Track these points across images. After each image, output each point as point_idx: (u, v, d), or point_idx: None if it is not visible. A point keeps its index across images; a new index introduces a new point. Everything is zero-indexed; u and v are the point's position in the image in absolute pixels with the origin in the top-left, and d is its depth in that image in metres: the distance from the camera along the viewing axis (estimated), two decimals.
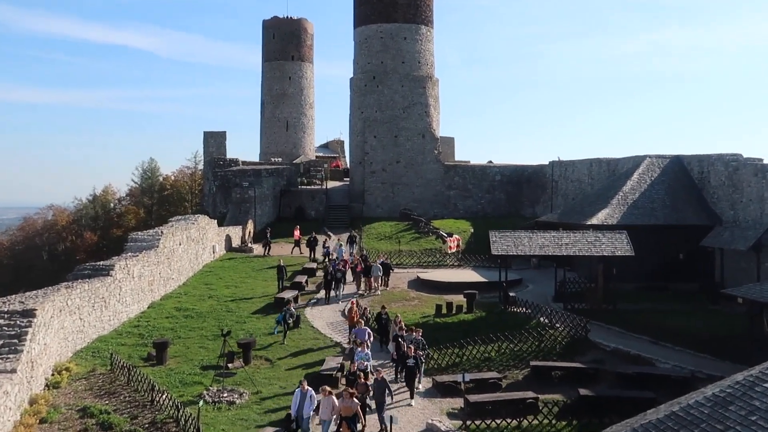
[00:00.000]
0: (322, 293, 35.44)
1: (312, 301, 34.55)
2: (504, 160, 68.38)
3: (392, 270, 38.75)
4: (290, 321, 27.98)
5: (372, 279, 36.39)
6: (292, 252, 47.12)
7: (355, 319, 26.57)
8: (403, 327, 25.99)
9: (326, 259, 38.90)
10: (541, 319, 29.96)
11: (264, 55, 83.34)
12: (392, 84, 59.97)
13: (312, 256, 43.74)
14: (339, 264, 36.81)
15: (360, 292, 36.43)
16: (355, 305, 27.89)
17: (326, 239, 45.61)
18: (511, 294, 33.87)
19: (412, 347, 22.67)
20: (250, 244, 48.71)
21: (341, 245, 43.48)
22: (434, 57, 62.83)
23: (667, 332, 28.39)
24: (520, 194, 61.46)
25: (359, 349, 22.65)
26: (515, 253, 33.84)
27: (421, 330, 25.14)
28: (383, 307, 27.74)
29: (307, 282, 38.20)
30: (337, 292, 34.78)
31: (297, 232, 48.79)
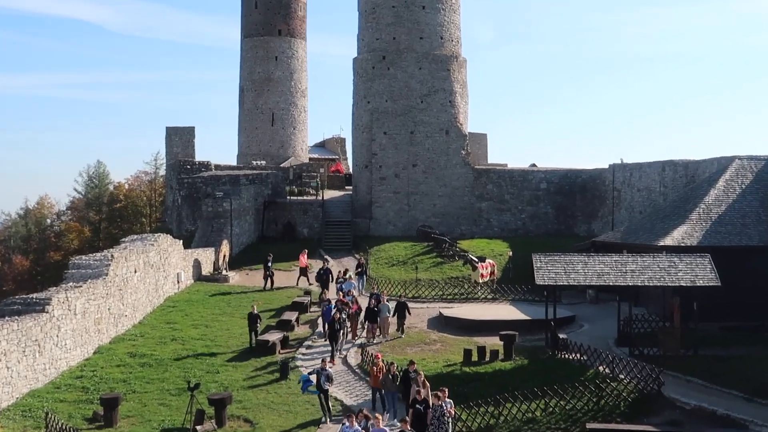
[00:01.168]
0: (317, 337, 35.26)
1: (305, 343, 34.44)
2: (551, 162, 68.55)
3: (409, 312, 37.27)
4: (327, 386, 25.91)
5: (381, 322, 35.64)
6: (297, 283, 46.71)
7: (380, 377, 25.98)
8: (426, 388, 23.99)
9: (336, 298, 37.72)
10: (601, 368, 29.73)
11: (243, 29, 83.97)
12: (407, 66, 60.22)
13: (323, 294, 41.91)
14: (352, 306, 36.08)
15: (358, 340, 35.39)
16: (380, 360, 27.26)
17: (340, 273, 44.42)
18: (561, 336, 33.64)
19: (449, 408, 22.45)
20: (225, 272, 48.74)
21: (349, 278, 41.90)
22: (461, 31, 63.07)
23: (764, 386, 28.08)
24: (571, 207, 61.33)
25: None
26: (566, 283, 33.65)
27: (446, 389, 24.03)
28: (411, 363, 26.78)
29: (297, 321, 38.15)
30: (340, 343, 33.81)
31: (304, 258, 47.76)
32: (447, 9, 61.43)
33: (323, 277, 43.39)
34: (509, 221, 61.20)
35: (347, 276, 42.49)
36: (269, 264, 46.26)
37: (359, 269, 46.17)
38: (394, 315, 36.43)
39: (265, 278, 45.92)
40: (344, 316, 34.51)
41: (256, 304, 36.21)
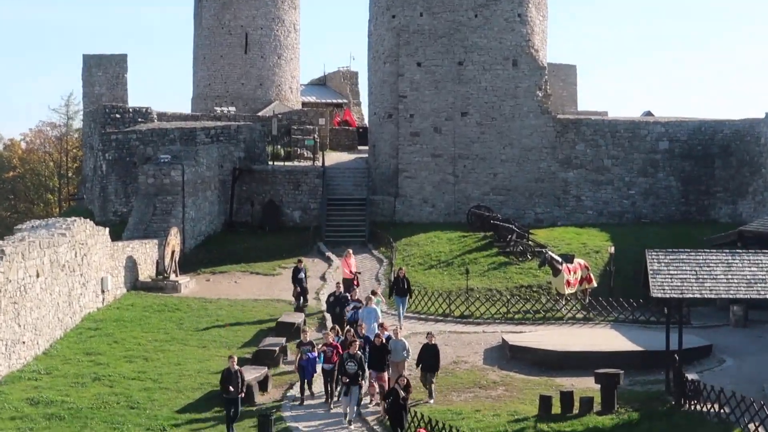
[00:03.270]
0: (292, 401, 34.55)
1: (293, 397, 34.42)
2: (675, 111, 68.01)
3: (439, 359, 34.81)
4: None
5: (393, 367, 34.46)
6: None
7: None
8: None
9: (346, 330, 36.93)
10: (751, 426, 29.73)
11: None
12: None
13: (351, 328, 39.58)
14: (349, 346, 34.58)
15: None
16: None
17: (351, 293, 43.16)
18: (689, 376, 33.60)
19: None
20: (174, 276, 48.98)
21: (375, 297, 39.71)
22: None
23: None
24: (707, 178, 61.00)
25: None
26: (698, 296, 33.50)
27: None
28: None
29: (284, 351, 38.25)
30: (351, 403, 33.09)
31: (350, 261, 46.41)
32: None
33: (339, 301, 41.73)
34: (611, 200, 61.07)
35: (370, 297, 39.29)
36: (301, 276, 45.55)
37: (396, 285, 44.18)
38: (418, 365, 34.59)
39: (297, 296, 45.18)
40: (353, 366, 32.76)
41: (233, 359, 31.80)
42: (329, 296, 42.62)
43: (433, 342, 34.45)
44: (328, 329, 37.38)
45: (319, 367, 34.01)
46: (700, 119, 63.07)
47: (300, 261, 47.15)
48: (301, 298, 45.31)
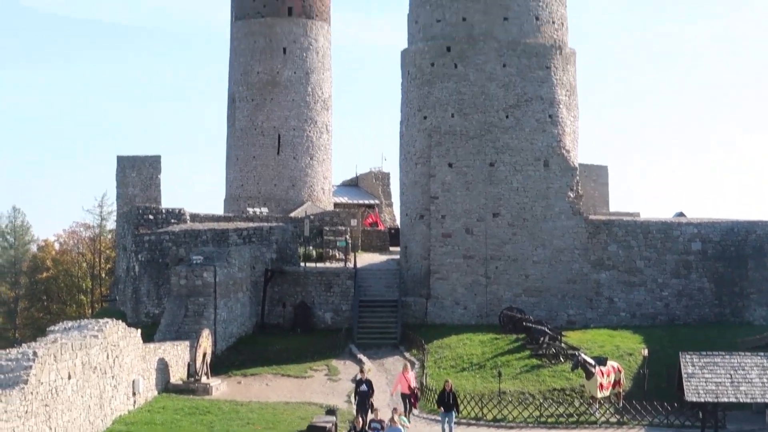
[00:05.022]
0: None
1: None
2: (708, 211, 68.04)
3: None
4: None
5: None
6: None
7: None
8: None
9: None
10: None
11: (235, 7, 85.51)
12: (484, 62, 60.77)
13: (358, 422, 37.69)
14: None
15: None
16: None
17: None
18: None
19: None
20: (205, 378, 49.00)
21: (399, 416, 37.74)
22: (566, 9, 63.52)
23: None
24: (740, 279, 60.71)
25: None
26: (734, 400, 33.31)
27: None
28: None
29: None
30: None
31: (408, 376, 44.70)
32: None
33: (364, 394, 41.81)
34: (643, 302, 60.83)
35: (393, 419, 37.24)
36: (364, 388, 42.81)
37: (442, 399, 42.02)
38: None
39: (357, 413, 41.36)
40: None
41: None
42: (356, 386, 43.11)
43: None
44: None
45: None
46: (732, 220, 63.03)
47: (362, 371, 45.37)
48: (360, 419, 38.41)
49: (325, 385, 51.05)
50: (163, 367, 47.81)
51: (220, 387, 49.02)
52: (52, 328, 44.04)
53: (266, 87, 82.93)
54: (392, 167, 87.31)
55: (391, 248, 74.01)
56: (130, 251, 66.69)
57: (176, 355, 49.62)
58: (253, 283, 60.55)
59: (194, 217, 69.24)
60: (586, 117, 74.88)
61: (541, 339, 54.24)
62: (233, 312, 57.09)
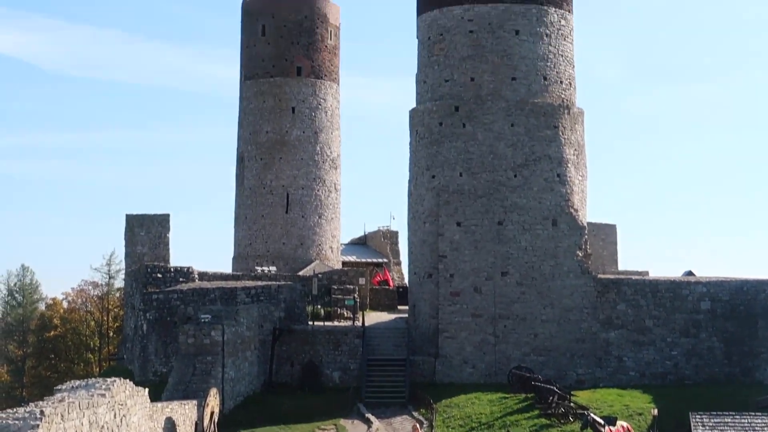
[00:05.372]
0: None
1: None
2: (717, 270, 67.92)
3: None
4: None
5: None
6: None
7: None
8: None
9: None
10: None
11: (244, 66, 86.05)
12: (493, 121, 61.07)
13: None
14: None
15: None
16: None
17: None
18: None
19: None
20: None
21: None
22: (575, 68, 63.86)
23: None
24: (750, 339, 60.50)
25: None
26: None
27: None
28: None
29: None
30: None
31: None
32: (553, 35, 62.36)
33: None
34: (653, 361, 60.62)
35: None
36: None
37: None
38: None
39: None
40: None
41: None
42: None
43: None
44: None
45: None
46: (741, 279, 62.97)
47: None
48: None
49: None
50: (170, 427, 47.66)
51: None
52: (59, 386, 43.93)
53: (275, 146, 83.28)
54: (400, 226, 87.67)
55: (400, 307, 73.89)
56: (138, 309, 66.70)
57: (184, 414, 49.45)
58: (261, 341, 60.47)
59: (203, 276, 69.32)
60: (594, 176, 74.99)
61: (550, 398, 54.04)
62: (241, 371, 56.96)
